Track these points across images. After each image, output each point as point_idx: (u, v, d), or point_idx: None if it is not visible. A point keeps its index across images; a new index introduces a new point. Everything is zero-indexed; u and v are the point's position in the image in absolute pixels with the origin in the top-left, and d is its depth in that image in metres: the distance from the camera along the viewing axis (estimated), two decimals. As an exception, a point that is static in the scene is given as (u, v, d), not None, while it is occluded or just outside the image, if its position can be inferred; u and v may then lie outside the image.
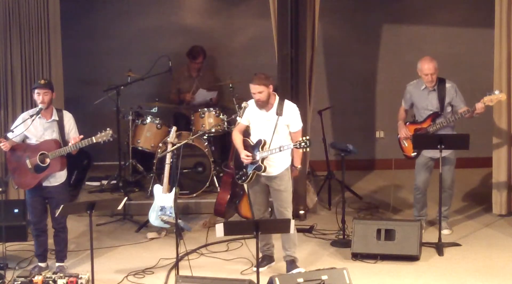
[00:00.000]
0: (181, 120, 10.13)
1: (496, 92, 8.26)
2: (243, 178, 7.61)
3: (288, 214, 7.60)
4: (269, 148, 7.43)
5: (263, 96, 7.44)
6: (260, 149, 7.45)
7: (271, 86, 7.48)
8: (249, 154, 7.49)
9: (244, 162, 7.53)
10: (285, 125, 7.52)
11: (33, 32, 8.90)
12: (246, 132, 7.72)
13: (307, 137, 7.30)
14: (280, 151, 7.39)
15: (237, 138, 7.66)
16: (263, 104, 7.49)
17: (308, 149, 7.30)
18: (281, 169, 7.56)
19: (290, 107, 7.56)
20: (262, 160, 7.45)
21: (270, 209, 7.92)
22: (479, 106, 8.18)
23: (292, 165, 7.65)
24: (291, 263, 7.66)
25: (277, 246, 7.94)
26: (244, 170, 7.59)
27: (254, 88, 7.45)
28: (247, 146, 7.58)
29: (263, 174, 7.51)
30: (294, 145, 7.32)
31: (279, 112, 7.47)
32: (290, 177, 7.63)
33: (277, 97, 7.56)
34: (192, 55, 10.24)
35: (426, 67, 8.27)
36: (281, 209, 7.62)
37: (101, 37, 10.79)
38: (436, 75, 8.29)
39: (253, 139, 7.59)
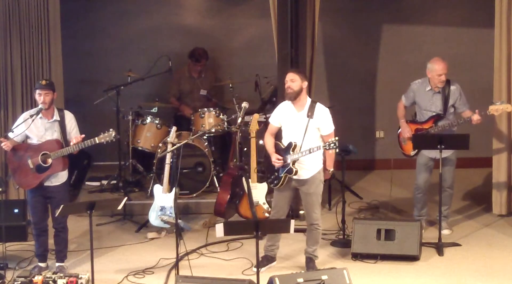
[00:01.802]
0: (181, 120, 10.13)
1: (498, 103, 8.23)
2: (275, 182, 7.56)
3: (315, 215, 7.59)
4: (299, 150, 7.39)
5: (295, 86, 7.38)
6: (291, 152, 7.41)
7: (305, 83, 7.45)
8: (280, 157, 7.42)
9: (275, 165, 7.48)
10: (316, 128, 7.45)
11: (33, 32, 8.89)
12: (278, 135, 7.66)
13: (336, 138, 7.23)
14: (310, 152, 7.34)
15: (268, 142, 7.60)
16: (292, 96, 7.40)
17: (337, 150, 7.29)
18: (312, 172, 7.50)
19: (321, 110, 7.49)
20: (293, 162, 7.40)
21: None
22: (484, 114, 8.14)
23: (325, 168, 7.61)
24: (309, 261, 7.67)
25: (280, 246, 7.93)
26: (276, 174, 7.53)
27: (288, 75, 7.43)
28: (278, 149, 7.53)
29: (294, 177, 7.48)
30: (324, 146, 7.27)
31: (310, 115, 7.40)
32: (322, 180, 7.59)
33: (309, 99, 7.51)
34: (195, 57, 10.22)
35: (441, 67, 8.20)
36: (308, 210, 7.62)
37: (101, 37, 10.79)
38: (446, 75, 8.27)
39: (284, 142, 7.54)
